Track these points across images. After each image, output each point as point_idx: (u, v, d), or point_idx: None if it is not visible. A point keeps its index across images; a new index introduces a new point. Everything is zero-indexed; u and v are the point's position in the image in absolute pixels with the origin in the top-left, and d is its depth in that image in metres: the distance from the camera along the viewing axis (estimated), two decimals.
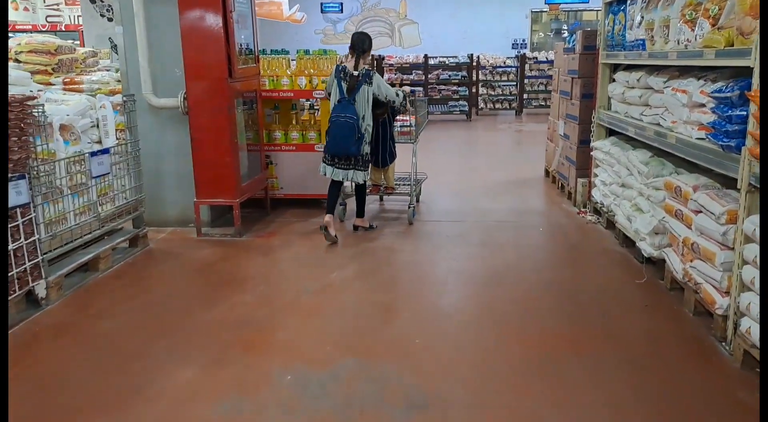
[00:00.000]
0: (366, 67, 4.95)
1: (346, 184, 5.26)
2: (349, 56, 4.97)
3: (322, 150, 5.11)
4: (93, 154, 3.82)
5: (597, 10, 17.81)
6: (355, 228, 5.30)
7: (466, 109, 14.00)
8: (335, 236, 4.89)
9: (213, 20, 4.74)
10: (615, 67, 5.24)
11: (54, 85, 5.27)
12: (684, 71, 3.92)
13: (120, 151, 4.26)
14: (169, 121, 5.14)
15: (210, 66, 4.82)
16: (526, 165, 8.35)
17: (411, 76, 14.14)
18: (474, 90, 14.42)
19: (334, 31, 18.59)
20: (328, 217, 4.92)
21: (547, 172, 7.34)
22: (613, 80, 5.19)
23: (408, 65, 13.93)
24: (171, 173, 5.25)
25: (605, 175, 5.12)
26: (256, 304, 3.66)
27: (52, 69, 5.35)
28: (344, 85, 4.82)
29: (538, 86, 15.06)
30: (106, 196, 4.06)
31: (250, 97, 5.61)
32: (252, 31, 5.45)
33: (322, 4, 16.49)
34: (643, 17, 4.29)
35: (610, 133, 5.33)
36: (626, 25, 4.70)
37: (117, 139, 4.30)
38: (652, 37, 4.08)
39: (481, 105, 15.01)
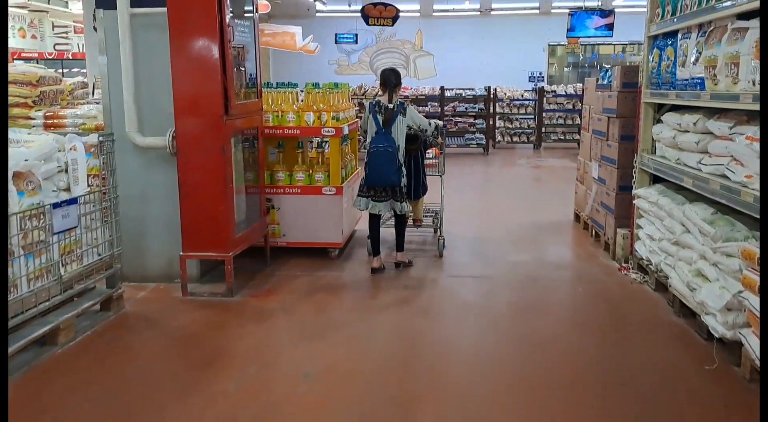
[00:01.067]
0: (399, 99, 5.06)
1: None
2: (381, 92, 5.12)
3: (360, 183, 5.11)
4: (56, 205, 3.24)
5: (615, 44, 17.35)
6: (397, 265, 5.19)
7: (483, 142, 13.44)
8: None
9: (208, 50, 4.20)
10: (659, 107, 4.64)
11: (34, 119, 4.75)
12: (752, 116, 3.31)
13: (93, 199, 3.67)
14: (157, 162, 4.59)
15: (203, 101, 4.27)
16: (552, 206, 7.71)
17: (426, 108, 13.62)
18: (491, 123, 13.87)
19: (348, 62, 18.24)
20: (376, 262, 5.06)
21: (577, 217, 6.70)
22: (659, 121, 4.58)
23: (423, 97, 13.44)
24: (157, 220, 4.67)
25: (652, 229, 4.48)
26: (241, 397, 2.99)
27: (33, 101, 4.83)
28: (380, 118, 4.90)
29: (557, 120, 14.50)
30: (71, 253, 3.46)
31: (251, 135, 5.05)
32: (255, 62, 4.91)
33: (336, 35, 16.15)
34: (700, 53, 3.70)
35: (655, 179, 4.70)
36: (676, 61, 4.10)
37: (89, 185, 3.73)
38: (715, 75, 3.47)
39: (498, 138, 14.46)
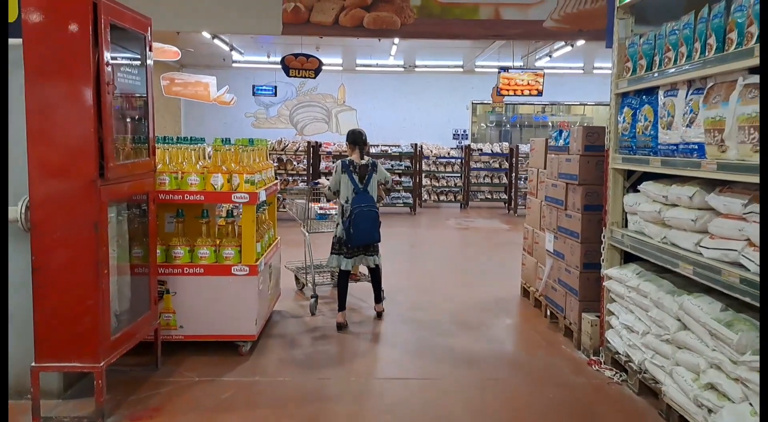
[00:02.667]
0: (368, 157, 5.23)
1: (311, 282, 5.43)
2: (350, 151, 5.23)
3: (339, 243, 5.11)
4: None
5: (536, 104, 17.46)
6: (379, 315, 5.37)
7: (410, 201, 12.79)
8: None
9: (78, 95, 3.20)
10: (629, 174, 4.02)
11: None
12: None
13: None
14: (10, 239, 3.45)
15: (69, 162, 3.23)
16: (494, 278, 6.99)
17: None
18: (418, 181, 13.28)
19: (266, 115, 17.38)
20: (341, 317, 5.10)
21: (525, 292, 5.97)
22: (632, 190, 3.94)
23: (347, 154, 12.70)
24: (9, 317, 3.49)
25: (630, 318, 3.76)
26: None
27: None
28: (356, 177, 5.02)
29: (483, 178, 14.13)
30: None
31: (139, 201, 4.01)
32: (146, 111, 3.92)
33: (254, 86, 15.30)
34: (696, 113, 3.07)
35: (628, 256, 4.03)
36: (657, 123, 3.49)
37: None
38: (721, 140, 2.83)
39: (425, 196, 13.88)
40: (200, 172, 4.36)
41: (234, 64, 16.05)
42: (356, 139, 5.18)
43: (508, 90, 11.36)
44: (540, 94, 11.46)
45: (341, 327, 5.02)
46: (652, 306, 3.47)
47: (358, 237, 4.94)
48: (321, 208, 5.99)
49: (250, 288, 4.37)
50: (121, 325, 3.73)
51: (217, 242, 4.43)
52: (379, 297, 5.39)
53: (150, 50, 3.92)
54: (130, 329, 3.73)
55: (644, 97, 3.67)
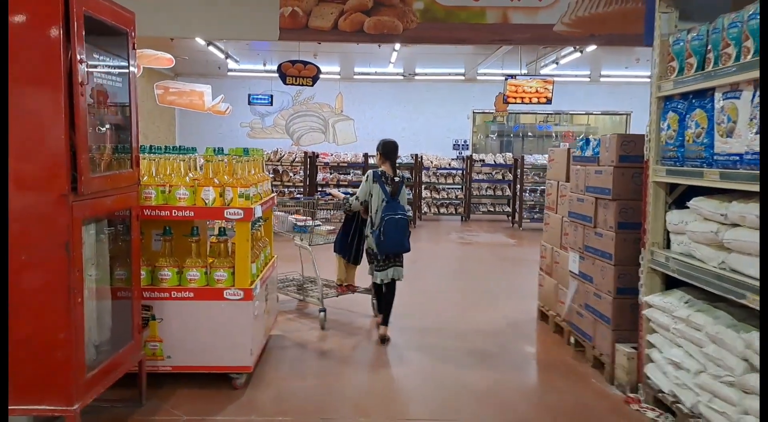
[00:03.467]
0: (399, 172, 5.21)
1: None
2: (380, 162, 5.10)
3: (369, 253, 5.03)
4: None
5: (539, 114, 17.09)
6: (384, 340, 4.96)
7: (410, 214, 12.32)
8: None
9: (45, 97, 2.75)
10: (671, 188, 3.59)
11: None
12: None
13: None
14: None
15: (36, 174, 2.78)
16: (505, 298, 6.54)
17: (348, 177, 12.45)
18: (417, 192, 12.85)
19: (262, 125, 16.95)
20: (385, 330, 4.98)
21: (543, 315, 5.52)
22: (677, 206, 3.51)
23: (345, 164, 12.26)
24: None
25: (678, 353, 3.31)
26: None
27: None
28: (388, 189, 4.92)
29: (485, 190, 13.70)
30: None
31: (123, 217, 3.55)
32: (129, 117, 3.47)
33: (249, 95, 14.86)
34: None
35: (670, 281, 3.59)
36: (713, 130, 3.05)
37: None
38: None
39: (425, 209, 13.44)
40: (190, 185, 3.90)
41: (229, 73, 15.63)
42: (389, 151, 5.07)
43: (515, 97, 10.96)
44: (549, 102, 11.06)
45: (384, 340, 4.92)
46: (707, 342, 3.02)
47: (389, 245, 4.82)
48: (298, 220, 5.74)
49: (245, 314, 3.90)
50: (100, 358, 3.28)
51: (209, 263, 3.97)
52: (387, 319, 5.01)
53: (134, 49, 3.47)
54: (111, 362, 3.26)
55: (694, 100, 3.24)
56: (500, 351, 4.81)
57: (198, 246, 3.98)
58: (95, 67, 3.14)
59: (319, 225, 5.82)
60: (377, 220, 4.83)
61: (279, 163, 11.49)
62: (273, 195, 4.95)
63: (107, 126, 3.28)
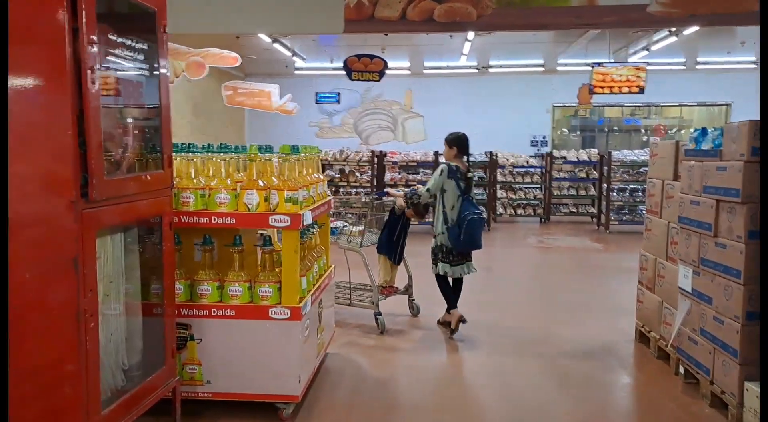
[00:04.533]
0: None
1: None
2: (450, 155, 5.00)
3: (441, 251, 4.97)
4: None
5: (625, 106, 15.91)
6: (463, 321, 4.94)
7: (485, 216, 11.57)
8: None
9: (47, 84, 2.32)
10: None
11: None
12: None
13: None
14: None
15: (39, 177, 2.35)
16: (592, 311, 5.78)
17: (418, 176, 11.84)
18: (492, 192, 12.09)
19: (330, 124, 16.63)
20: (458, 312, 4.95)
21: (642, 336, 4.74)
22: None
23: (415, 163, 11.67)
24: None
25: None
26: None
27: None
28: (462, 185, 4.88)
29: (567, 190, 12.77)
30: None
31: (149, 225, 3.11)
32: (160, 111, 3.02)
33: (317, 94, 14.55)
34: None
35: None
36: None
37: None
38: None
39: (500, 210, 12.66)
40: (231, 188, 3.43)
41: (297, 72, 15.38)
42: (463, 145, 5.00)
43: (602, 87, 10.00)
44: (641, 91, 10.02)
45: (462, 321, 4.91)
46: None
47: (468, 243, 4.84)
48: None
49: (292, 337, 3.39)
50: (129, 385, 2.86)
51: (252, 278, 3.48)
52: (456, 303, 5.05)
53: (164, 32, 3.02)
54: (139, 390, 2.84)
55: None
56: (590, 378, 4.10)
57: (241, 257, 3.50)
58: (115, 51, 2.70)
59: (346, 225, 5.53)
60: (454, 217, 4.81)
61: (345, 163, 11.05)
62: (329, 198, 4.43)
63: (130, 120, 2.84)
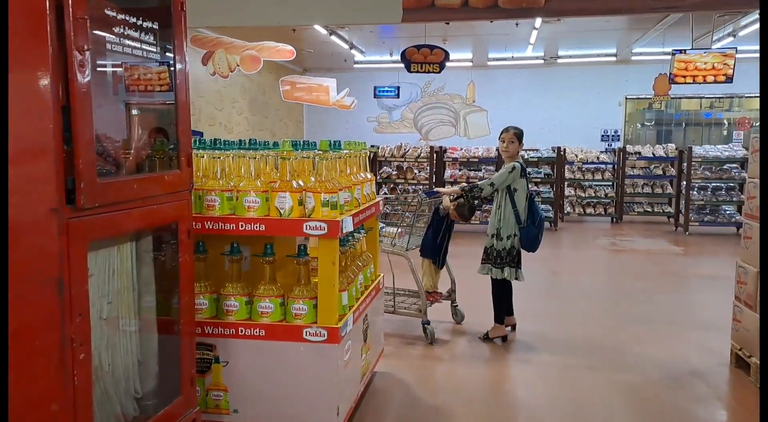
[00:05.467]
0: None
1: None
2: (514, 150, 4.69)
3: (509, 254, 4.65)
4: None
5: (705, 98, 14.72)
6: (514, 328, 4.92)
7: (551, 214, 10.87)
8: None
9: (22, 70, 1.93)
10: None
11: None
12: None
13: None
14: None
15: (14, 179, 1.97)
16: (677, 327, 5.09)
17: (480, 173, 11.24)
18: (560, 190, 11.34)
19: (389, 119, 16.18)
20: (501, 330, 4.76)
21: (740, 360, 4.05)
22: None
23: (476, 159, 11.06)
24: None
25: None
26: None
27: None
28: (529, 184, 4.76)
29: (642, 188, 11.86)
30: None
31: (162, 232, 2.71)
32: (176, 101, 2.61)
33: (375, 88, 14.12)
34: None
35: None
36: None
37: None
38: None
39: (567, 209, 11.89)
40: (261, 190, 3.00)
41: (355, 65, 15.00)
42: (521, 137, 4.72)
43: (684, 76, 9.11)
44: (729, 80, 9.07)
45: (505, 338, 4.73)
46: None
47: (534, 243, 4.67)
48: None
49: (330, 361, 2.94)
50: (142, 415, 2.49)
51: (284, 292, 3.05)
52: (512, 309, 4.94)
53: (182, 9, 2.61)
54: None
55: None
56: (677, 410, 3.47)
57: (272, 269, 3.07)
58: (114, 29, 2.30)
59: (383, 226, 5.14)
60: (526, 217, 4.62)
61: (403, 159, 10.56)
62: (377, 200, 3.96)
63: (135, 111, 2.45)
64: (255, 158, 3.08)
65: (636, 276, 7.28)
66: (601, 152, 12.24)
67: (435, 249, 5.05)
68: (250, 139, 3.12)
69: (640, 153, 11.75)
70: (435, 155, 10.50)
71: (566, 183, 11.81)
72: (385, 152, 10.56)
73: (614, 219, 11.80)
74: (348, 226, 3.05)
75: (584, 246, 9.51)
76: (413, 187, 10.58)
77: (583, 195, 11.94)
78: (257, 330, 2.98)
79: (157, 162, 2.56)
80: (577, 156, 11.90)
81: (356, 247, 3.53)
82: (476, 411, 3.54)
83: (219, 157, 3.08)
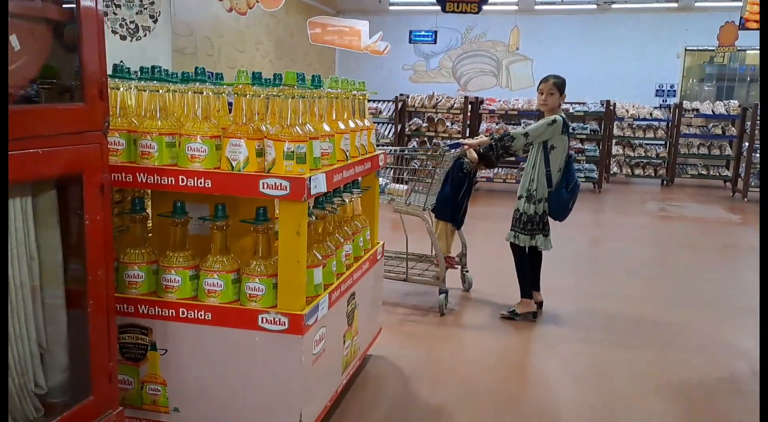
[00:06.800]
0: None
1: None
2: (556, 103, 3.94)
3: (540, 220, 3.99)
4: None
5: None
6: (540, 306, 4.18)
7: (596, 175, 9.95)
8: None
9: None
10: None
11: None
12: None
13: None
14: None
15: None
16: (738, 312, 4.30)
17: (519, 127, 10.34)
18: (606, 148, 10.37)
19: (425, 67, 15.21)
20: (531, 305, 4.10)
21: None
22: None
23: (516, 112, 10.14)
24: None
25: None
26: None
27: None
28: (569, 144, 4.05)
29: (698, 148, 10.79)
30: None
31: (62, 183, 2.07)
32: (78, 15, 1.93)
33: (411, 32, 13.16)
34: None
35: None
36: None
37: None
38: None
39: (614, 169, 10.94)
40: (210, 134, 2.33)
41: (391, 8, 14.02)
42: (563, 88, 4.01)
43: (758, 20, 7.97)
44: None
45: (536, 314, 4.11)
46: None
47: (568, 210, 4.04)
48: None
49: (292, 356, 2.31)
50: (42, 419, 1.94)
51: (237, 265, 2.41)
52: (539, 284, 4.25)
53: None
54: None
55: None
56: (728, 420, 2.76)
57: (223, 236, 2.42)
58: None
59: (388, 182, 4.56)
60: (559, 180, 3.96)
61: (434, 110, 9.72)
62: (377, 153, 3.25)
63: (22, 22, 1.77)
64: (200, 92, 2.38)
65: (688, 247, 6.43)
66: (655, 108, 11.16)
67: (454, 209, 4.43)
68: (199, 70, 2.42)
69: (698, 110, 10.64)
70: (470, 106, 9.63)
71: (614, 141, 10.84)
72: (415, 101, 9.73)
73: (665, 182, 10.82)
74: (320, 185, 2.35)
75: (630, 212, 8.63)
76: (444, 140, 9.78)
77: (632, 154, 10.96)
78: (202, 313, 2.35)
79: (48, 93, 1.90)
80: (627, 111, 10.86)
81: (338, 211, 2.84)
82: (483, 417, 2.89)
83: (156, 90, 2.39)
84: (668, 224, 7.84)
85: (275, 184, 2.22)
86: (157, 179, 2.32)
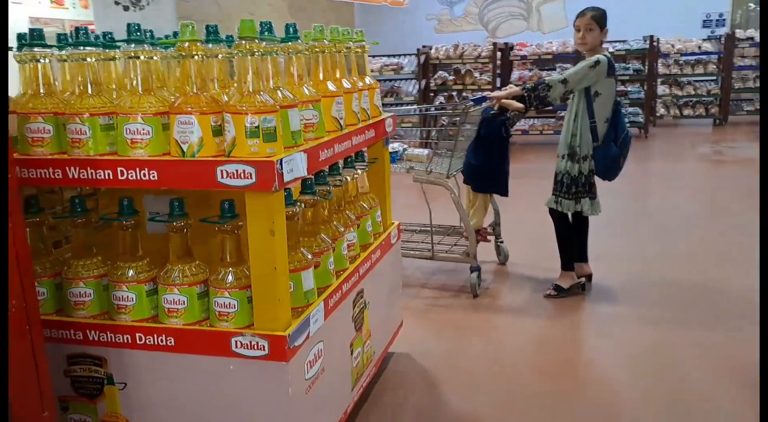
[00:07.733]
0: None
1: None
2: (597, 42, 3.35)
3: (586, 181, 3.43)
4: None
5: None
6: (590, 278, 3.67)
7: (641, 119, 9.13)
8: None
9: None
10: None
11: None
12: None
13: None
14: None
15: None
16: None
17: (554, 72, 9.53)
18: (652, 89, 9.51)
19: (450, 16, 14.29)
20: (572, 278, 3.56)
21: None
22: None
23: (550, 56, 9.31)
24: None
25: None
26: None
27: None
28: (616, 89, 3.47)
29: (754, 81, 9.83)
30: None
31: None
32: None
33: None
34: None
35: None
36: None
37: None
38: None
39: (661, 111, 10.07)
40: (153, 110, 1.79)
41: None
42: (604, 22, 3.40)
43: None
44: None
45: (584, 286, 3.60)
46: None
47: (617, 172, 3.47)
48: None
49: (277, 386, 1.82)
50: None
51: (204, 273, 1.91)
52: (586, 254, 3.69)
53: None
54: None
55: None
56: None
57: (182, 239, 1.91)
58: None
59: (406, 147, 3.96)
60: (606, 132, 3.38)
61: (461, 61, 8.97)
62: (384, 117, 2.69)
63: None
64: (141, 57, 1.84)
65: (744, 197, 5.68)
66: (703, 40, 10.16)
67: (503, 179, 3.78)
68: (133, 26, 1.87)
69: (753, 38, 9.62)
70: (499, 53, 8.86)
71: (659, 80, 9.94)
72: (439, 53, 9.00)
73: (717, 121, 9.93)
74: (298, 168, 1.81)
75: (681, 158, 7.87)
76: (474, 94, 9.05)
77: (679, 93, 10.05)
78: (162, 338, 1.87)
79: None
80: (673, 46, 9.90)
81: (332, 196, 2.29)
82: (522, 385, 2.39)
83: (84, 59, 1.86)
84: (725, 169, 7.07)
85: (236, 170, 1.69)
86: (92, 174, 1.81)
